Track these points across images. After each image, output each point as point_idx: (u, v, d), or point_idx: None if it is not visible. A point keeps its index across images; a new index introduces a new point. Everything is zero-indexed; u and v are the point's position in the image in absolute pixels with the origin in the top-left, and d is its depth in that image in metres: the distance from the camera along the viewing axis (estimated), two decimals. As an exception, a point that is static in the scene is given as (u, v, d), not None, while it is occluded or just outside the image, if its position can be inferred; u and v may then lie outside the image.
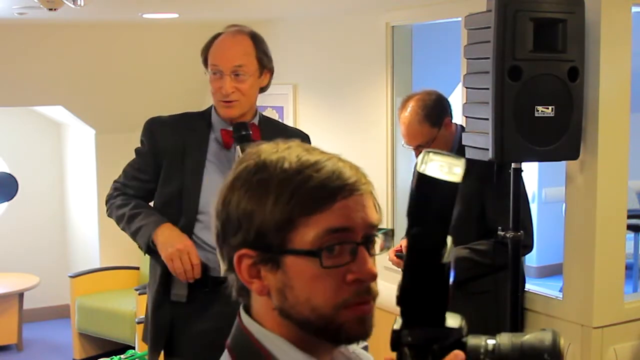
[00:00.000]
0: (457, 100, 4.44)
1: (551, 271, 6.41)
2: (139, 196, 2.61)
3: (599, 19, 2.90)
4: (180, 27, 5.47)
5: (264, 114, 2.72)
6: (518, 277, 2.87)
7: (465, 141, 2.89)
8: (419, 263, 0.90)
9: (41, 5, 3.18)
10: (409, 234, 0.90)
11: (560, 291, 3.26)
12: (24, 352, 5.81)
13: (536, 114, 2.74)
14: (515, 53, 2.70)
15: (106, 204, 2.69)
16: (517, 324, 2.90)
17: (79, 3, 3.04)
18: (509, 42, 2.69)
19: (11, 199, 6.01)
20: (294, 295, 0.97)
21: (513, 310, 2.86)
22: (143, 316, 4.62)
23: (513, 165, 2.83)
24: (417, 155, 3.10)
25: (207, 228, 2.49)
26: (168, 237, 2.44)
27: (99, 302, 5.46)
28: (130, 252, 6.04)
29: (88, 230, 6.17)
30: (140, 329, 4.53)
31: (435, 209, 0.87)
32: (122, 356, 4.23)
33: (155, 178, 2.58)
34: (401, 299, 0.92)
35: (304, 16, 4.82)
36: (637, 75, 3.22)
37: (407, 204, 0.88)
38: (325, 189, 0.96)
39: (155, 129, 2.61)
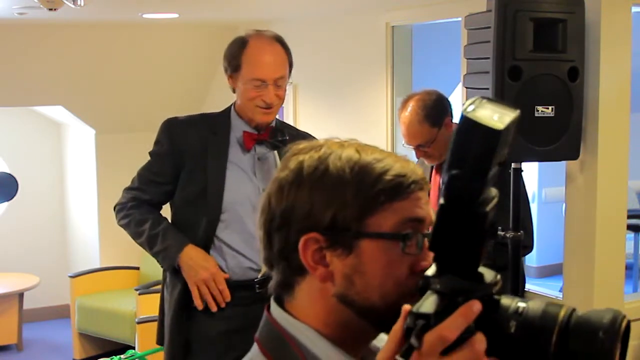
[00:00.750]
0: (457, 100, 4.44)
1: (551, 271, 6.41)
2: (154, 202, 2.62)
3: (599, 19, 2.90)
4: (180, 27, 5.47)
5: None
6: (518, 277, 2.87)
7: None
8: (453, 207, 0.87)
9: (41, 5, 3.19)
10: (446, 176, 0.88)
11: (560, 291, 3.26)
12: (24, 352, 5.82)
13: (536, 114, 2.74)
14: (515, 53, 2.70)
15: (118, 212, 2.64)
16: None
17: (79, 3, 3.04)
18: (509, 42, 2.69)
19: (11, 199, 6.01)
20: (364, 281, 0.98)
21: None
22: (143, 316, 4.65)
23: (513, 165, 2.83)
24: (417, 156, 3.10)
25: (229, 228, 2.54)
26: (194, 263, 2.47)
27: (99, 302, 5.47)
28: (130, 252, 6.04)
29: (88, 230, 6.17)
30: (140, 329, 4.53)
31: (475, 154, 0.85)
32: (122, 356, 4.23)
33: (173, 180, 2.58)
34: (433, 244, 0.90)
35: (304, 16, 4.82)
36: (637, 75, 3.23)
37: (450, 144, 0.86)
38: (407, 178, 1.00)
39: (174, 129, 2.60)
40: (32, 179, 6.38)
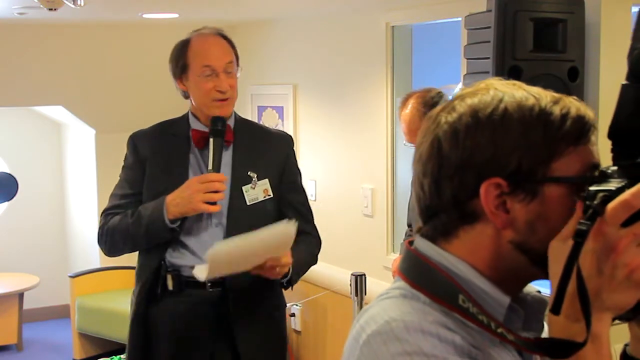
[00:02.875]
0: (457, 100, 4.43)
1: (551, 271, 6.40)
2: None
3: (599, 19, 2.90)
4: (180, 27, 5.46)
5: (241, 116, 2.77)
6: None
7: (465, 141, 2.90)
8: (636, 83, 0.87)
9: (41, 5, 3.19)
10: (631, 54, 0.86)
11: (560, 291, 3.26)
12: (24, 352, 5.82)
13: (536, 114, 2.74)
14: (515, 53, 2.70)
15: (102, 236, 2.64)
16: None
17: (79, 3, 3.04)
18: (509, 42, 2.69)
19: (11, 199, 6.01)
20: (547, 227, 0.95)
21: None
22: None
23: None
24: None
25: (186, 228, 2.55)
26: (180, 198, 2.47)
27: (99, 302, 5.47)
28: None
29: (88, 230, 6.17)
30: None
31: None
32: (122, 356, 4.23)
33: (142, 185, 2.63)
34: (614, 128, 0.88)
35: (304, 16, 4.82)
36: (637, 75, 3.22)
37: (634, 23, 0.86)
38: (587, 121, 0.98)
39: (137, 140, 2.66)
40: (32, 179, 6.38)
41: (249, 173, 2.58)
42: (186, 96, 2.64)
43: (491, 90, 0.99)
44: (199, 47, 2.57)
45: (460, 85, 3.71)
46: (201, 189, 2.44)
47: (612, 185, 0.87)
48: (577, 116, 0.97)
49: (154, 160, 2.60)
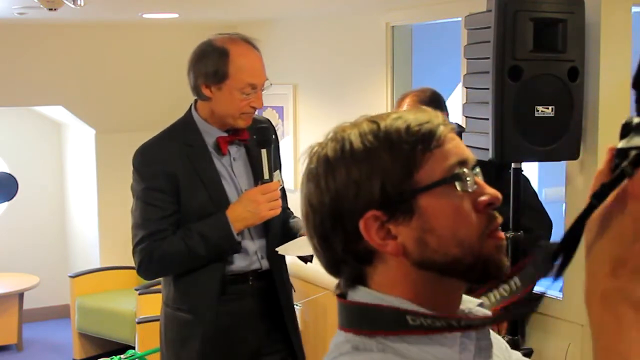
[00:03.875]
0: (457, 100, 4.44)
1: (551, 271, 6.40)
2: (174, 231, 2.53)
3: (599, 19, 2.90)
4: (180, 27, 5.47)
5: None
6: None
7: (465, 141, 2.89)
8: None
9: (41, 5, 3.19)
10: None
11: (560, 291, 3.26)
12: (24, 352, 5.82)
13: (536, 114, 2.74)
14: (515, 53, 2.70)
15: (151, 263, 2.52)
16: (517, 324, 2.90)
17: (79, 3, 3.04)
18: (509, 42, 2.69)
19: (11, 199, 6.01)
20: (437, 236, 0.95)
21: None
22: (143, 316, 4.64)
23: (513, 165, 2.83)
24: None
25: (244, 232, 2.57)
26: (245, 211, 2.51)
27: (99, 302, 5.46)
28: (130, 252, 6.04)
29: (88, 230, 6.17)
30: (140, 329, 4.53)
31: None
32: (122, 356, 4.22)
33: (178, 205, 2.54)
34: (636, 83, 0.82)
35: (304, 16, 4.82)
36: (637, 75, 3.22)
37: None
38: (433, 124, 0.98)
39: (154, 155, 2.55)
40: (32, 179, 6.38)
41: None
42: (202, 99, 2.55)
43: (337, 133, 1.01)
44: (243, 62, 2.50)
45: (460, 86, 3.71)
46: (266, 199, 2.51)
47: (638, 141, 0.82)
48: (420, 123, 0.98)
49: (183, 173, 2.51)
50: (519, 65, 2.71)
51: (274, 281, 2.62)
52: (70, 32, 5.28)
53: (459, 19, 3.54)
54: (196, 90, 2.54)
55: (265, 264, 2.60)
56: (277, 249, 2.55)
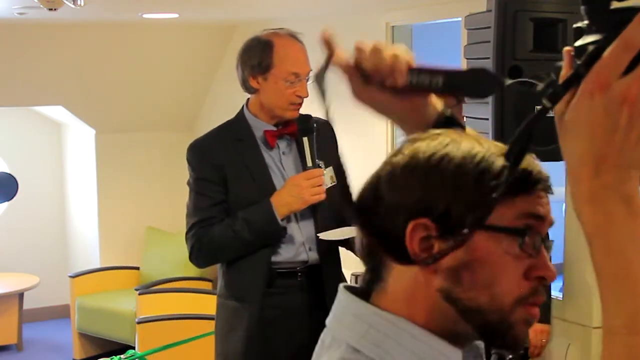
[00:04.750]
0: (457, 100, 4.43)
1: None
2: (223, 219, 2.63)
3: (599, 19, 2.90)
4: (180, 27, 5.47)
5: None
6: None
7: (465, 141, 2.90)
8: None
9: (41, 5, 3.19)
10: None
11: (560, 291, 3.26)
12: (24, 352, 5.82)
13: (536, 114, 2.74)
14: (515, 53, 2.70)
15: (201, 249, 2.62)
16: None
17: (79, 3, 3.04)
18: (509, 42, 2.69)
19: (11, 199, 6.01)
20: (473, 278, 0.89)
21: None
22: (143, 316, 4.65)
23: (513, 165, 2.84)
24: None
25: (292, 221, 2.64)
26: (289, 197, 2.57)
27: (99, 302, 5.47)
28: (130, 252, 6.05)
29: (88, 230, 6.17)
30: (140, 329, 4.53)
31: None
32: (122, 356, 4.23)
33: (226, 197, 2.64)
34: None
35: (304, 16, 4.82)
36: (637, 75, 3.22)
37: None
38: (531, 174, 0.92)
39: (204, 149, 2.68)
40: (32, 179, 6.38)
41: (318, 162, 2.66)
42: (251, 92, 2.66)
43: (441, 136, 0.96)
44: (287, 52, 2.61)
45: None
46: (310, 184, 2.57)
47: (591, 38, 0.80)
48: (522, 168, 0.92)
49: (231, 167, 2.62)
50: (519, 65, 2.71)
51: (323, 276, 2.65)
52: (70, 32, 5.28)
53: (459, 19, 3.54)
54: (245, 83, 2.65)
55: (313, 256, 2.64)
56: (319, 234, 2.61)
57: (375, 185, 0.96)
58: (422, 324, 0.92)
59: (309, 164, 2.61)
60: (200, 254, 2.62)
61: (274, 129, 2.66)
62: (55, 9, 3.19)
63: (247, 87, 2.66)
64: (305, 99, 2.63)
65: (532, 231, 0.90)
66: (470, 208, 0.89)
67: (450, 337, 0.93)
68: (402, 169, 0.94)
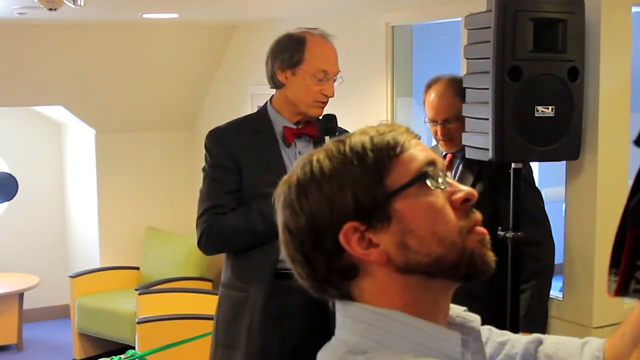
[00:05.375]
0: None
1: (551, 271, 6.40)
2: (235, 208, 2.62)
3: (599, 19, 2.90)
4: (180, 27, 5.47)
5: None
6: (518, 277, 2.87)
7: (465, 141, 2.89)
8: None
9: (41, 5, 3.19)
10: None
11: (560, 291, 3.26)
12: (24, 352, 5.82)
13: (536, 114, 2.74)
14: (515, 53, 2.70)
15: (213, 234, 2.60)
16: (518, 324, 2.90)
17: (79, 3, 3.04)
18: (509, 42, 2.69)
19: (11, 199, 6.01)
20: (417, 237, 0.96)
21: (513, 310, 2.86)
22: (143, 316, 4.65)
23: (513, 165, 2.83)
24: (438, 136, 2.95)
25: None
26: None
27: (99, 302, 5.47)
28: (130, 252, 6.05)
29: (88, 230, 6.17)
30: (140, 329, 4.53)
31: None
32: (122, 356, 4.23)
33: (240, 185, 2.63)
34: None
35: (304, 16, 4.82)
36: (637, 75, 3.22)
37: None
38: (399, 135, 1.00)
39: (221, 137, 2.67)
40: (32, 179, 6.38)
41: None
42: (278, 87, 2.66)
43: (306, 159, 1.02)
44: (319, 49, 2.64)
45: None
46: None
47: None
48: (380, 135, 1.00)
49: (247, 156, 2.62)
50: (519, 65, 2.71)
51: None
52: (70, 32, 5.28)
53: (459, 19, 3.54)
54: (272, 77, 2.66)
55: None
56: None
57: (288, 232, 1.01)
58: (408, 312, 0.97)
59: None
60: (209, 240, 2.60)
61: (294, 127, 2.67)
62: (55, 9, 3.19)
63: (274, 82, 2.66)
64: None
65: (430, 172, 0.98)
66: (372, 187, 0.96)
67: (432, 310, 0.98)
68: (296, 201, 1.00)
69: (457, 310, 1.05)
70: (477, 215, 1.00)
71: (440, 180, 0.98)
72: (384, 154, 0.97)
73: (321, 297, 1.04)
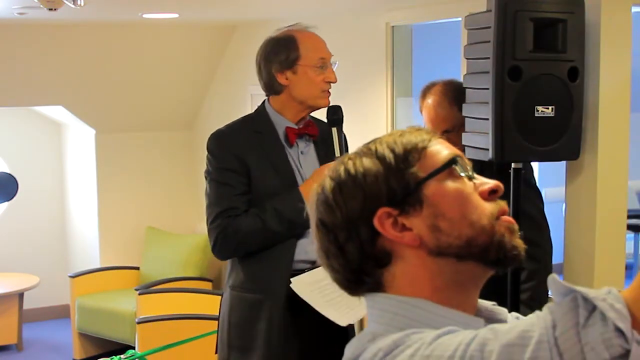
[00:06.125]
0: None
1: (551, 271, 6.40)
2: (247, 210, 2.59)
3: (599, 19, 2.90)
4: (180, 27, 5.47)
5: None
6: (518, 277, 2.87)
7: (465, 141, 2.89)
8: None
9: (41, 5, 3.19)
10: None
11: (560, 291, 3.26)
12: (24, 352, 5.82)
13: (536, 114, 2.74)
14: (515, 53, 2.70)
15: (227, 237, 2.56)
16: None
17: (79, 3, 3.04)
18: (509, 42, 2.69)
19: (11, 199, 6.01)
20: (448, 220, 1.01)
21: (513, 310, 2.86)
22: (143, 316, 4.65)
23: (513, 165, 2.83)
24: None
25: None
26: (310, 184, 2.51)
27: (99, 302, 5.47)
28: (130, 252, 6.05)
29: (88, 230, 6.17)
30: (140, 329, 4.53)
31: None
32: (122, 356, 4.23)
33: (249, 187, 2.61)
34: None
35: (304, 16, 4.81)
36: (637, 75, 3.22)
37: None
38: (422, 132, 1.09)
39: (226, 140, 2.64)
40: (32, 179, 6.38)
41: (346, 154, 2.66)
42: (277, 92, 2.64)
43: (336, 164, 1.09)
44: (310, 41, 2.65)
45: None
46: None
47: None
48: (411, 131, 1.08)
49: (253, 157, 2.60)
50: (519, 65, 2.70)
51: None
52: (70, 32, 5.28)
53: (459, 19, 3.54)
54: (271, 82, 2.63)
55: None
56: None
57: (322, 226, 1.06)
58: (437, 298, 1.01)
59: (337, 154, 2.60)
60: (224, 244, 2.56)
61: (295, 127, 2.66)
62: (55, 9, 3.19)
63: (273, 87, 2.63)
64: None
65: (458, 160, 1.04)
66: (403, 175, 1.03)
67: (463, 296, 1.02)
68: (332, 195, 1.05)
69: (485, 304, 1.09)
70: (505, 205, 1.04)
71: (465, 168, 1.04)
72: (413, 146, 1.05)
73: (353, 292, 1.07)
